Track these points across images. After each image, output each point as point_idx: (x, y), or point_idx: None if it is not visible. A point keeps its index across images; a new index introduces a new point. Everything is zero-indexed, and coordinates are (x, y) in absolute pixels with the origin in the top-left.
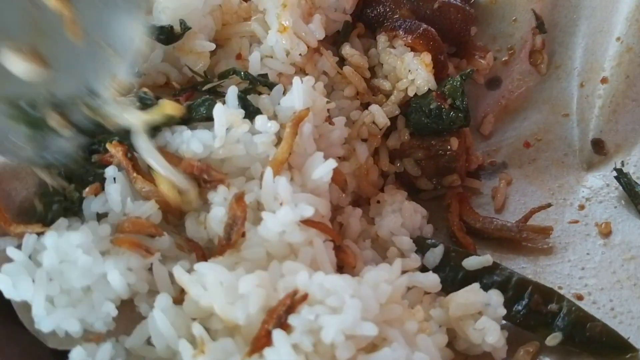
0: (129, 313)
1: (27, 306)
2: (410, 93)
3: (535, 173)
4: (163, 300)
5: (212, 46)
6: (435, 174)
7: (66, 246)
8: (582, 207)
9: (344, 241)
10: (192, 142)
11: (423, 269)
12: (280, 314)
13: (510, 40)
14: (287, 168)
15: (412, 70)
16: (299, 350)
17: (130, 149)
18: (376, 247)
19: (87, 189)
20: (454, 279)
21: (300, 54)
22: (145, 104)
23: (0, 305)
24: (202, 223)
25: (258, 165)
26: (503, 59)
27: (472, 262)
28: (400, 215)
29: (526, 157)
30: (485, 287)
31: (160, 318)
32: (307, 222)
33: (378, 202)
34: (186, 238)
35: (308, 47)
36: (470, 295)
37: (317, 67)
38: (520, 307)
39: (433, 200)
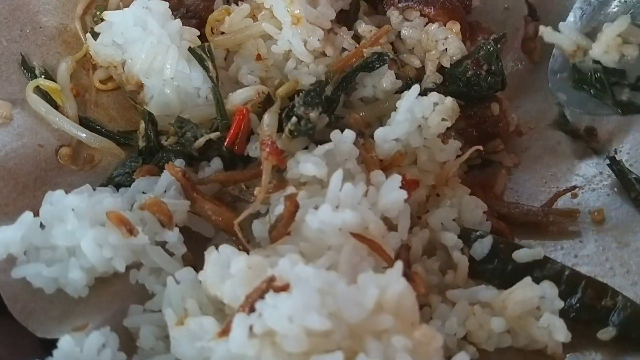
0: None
1: (16, 296)
2: (445, 63)
3: (528, 161)
4: (184, 273)
5: None
6: (479, 141)
7: (62, 205)
8: (575, 195)
9: (413, 267)
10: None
11: (471, 259)
12: (254, 299)
13: (503, 28)
14: (365, 181)
15: (439, 40)
16: (252, 335)
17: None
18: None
19: (139, 170)
20: (502, 271)
21: (318, 39)
22: None
23: None
24: (267, 223)
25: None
26: None
27: (522, 255)
28: (457, 210)
29: (519, 145)
30: (537, 281)
31: (173, 288)
32: (357, 236)
33: (438, 195)
34: None
35: (323, 29)
36: (526, 290)
37: (335, 46)
38: (573, 302)
39: None
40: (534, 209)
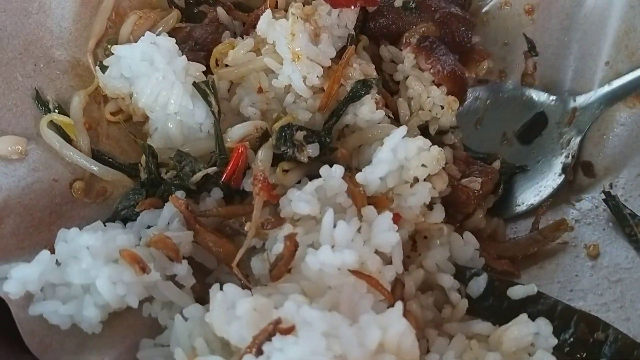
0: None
1: (33, 331)
2: (432, 130)
3: None
4: (192, 310)
5: None
6: None
7: (77, 244)
8: (571, 229)
9: (408, 305)
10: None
11: (466, 297)
12: (260, 341)
13: (502, 63)
14: (358, 217)
15: (436, 105)
16: None
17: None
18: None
19: (141, 203)
20: (498, 308)
21: (317, 76)
22: None
23: (6, 332)
24: (265, 260)
25: (327, 210)
26: (494, 82)
27: (517, 292)
28: (449, 249)
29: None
30: (531, 317)
31: (181, 327)
32: (356, 273)
33: (425, 237)
34: None
35: (322, 67)
36: (522, 327)
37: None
38: (567, 336)
39: None
40: (533, 237)
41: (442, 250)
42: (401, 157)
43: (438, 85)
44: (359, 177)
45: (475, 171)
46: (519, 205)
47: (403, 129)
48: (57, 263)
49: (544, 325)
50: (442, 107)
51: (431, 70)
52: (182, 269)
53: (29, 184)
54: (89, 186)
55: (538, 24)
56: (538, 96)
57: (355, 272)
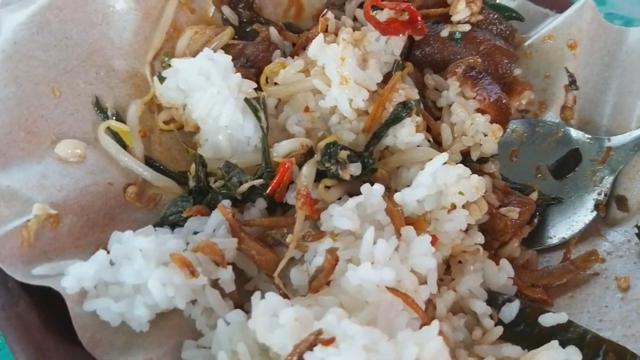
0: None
1: (85, 326)
2: (474, 156)
3: None
4: (233, 315)
5: None
6: None
7: (131, 246)
8: (602, 260)
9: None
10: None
11: (498, 323)
12: (302, 350)
13: (543, 95)
14: (396, 236)
15: (479, 132)
16: None
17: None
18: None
19: (188, 209)
20: (529, 334)
21: (363, 100)
22: None
23: (60, 325)
24: (304, 272)
25: (366, 226)
26: (534, 113)
27: (548, 319)
28: (482, 275)
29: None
30: (561, 344)
31: (223, 331)
32: (392, 290)
33: (460, 262)
34: None
35: (369, 91)
36: (552, 353)
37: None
38: None
39: None
40: (565, 267)
41: (476, 276)
42: (440, 183)
43: (482, 113)
44: (397, 197)
45: (513, 201)
46: (551, 238)
47: (444, 156)
48: (111, 263)
49: (573, 353)
50: (485, 135)
51: (477, 98)
52: (227, 274)
53: (86, 185)
54: (142, 191)
55: (580, 59)
56: (574, 133)
57: (392, 290)
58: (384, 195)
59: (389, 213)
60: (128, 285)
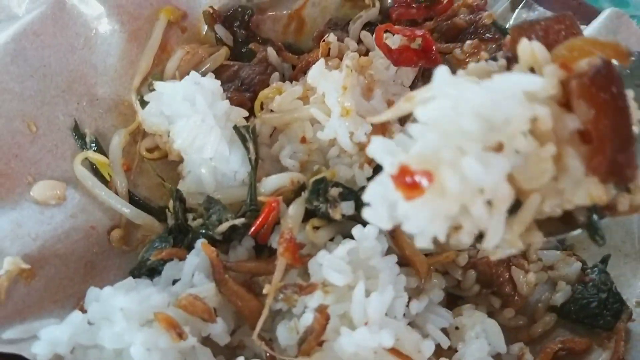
0: None
1: None
2: None
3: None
4: None
5: None
6: None
7: (111, 305)
8: (638, 304)
9: None
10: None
11: None
12: None
13: None
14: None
15: None
16: None
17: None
18: None
19: (158, 252)
20: None
21: (365, 133)
22: None
23: None
24: (293, 329)
25: (360, 275)
26: None
27: None
28: (486, 341)
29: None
30: None
31: None
32: (392, 351)
33: (457, 328)
34: None
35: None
36: None
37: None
38: None
39: None
40: None
41: (480, 344)
42: None
43: None
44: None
45: None
46: None
47: None
48: (89, 323)
49: None
50: None
51: None
52: (218, 328)
53: (66, 231)
54: (128, 233)
55: None
56: None
57: (393, 351)
58: (386, 234)
59: (403, 257)
60: (109, 350)
